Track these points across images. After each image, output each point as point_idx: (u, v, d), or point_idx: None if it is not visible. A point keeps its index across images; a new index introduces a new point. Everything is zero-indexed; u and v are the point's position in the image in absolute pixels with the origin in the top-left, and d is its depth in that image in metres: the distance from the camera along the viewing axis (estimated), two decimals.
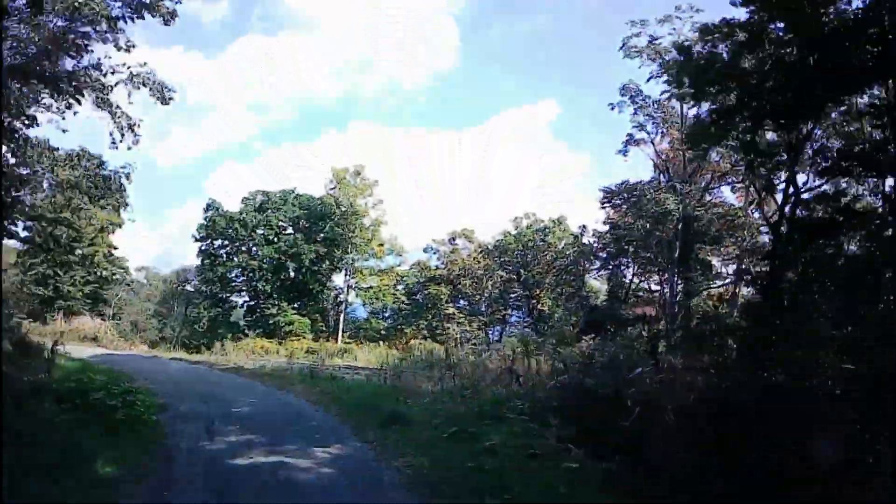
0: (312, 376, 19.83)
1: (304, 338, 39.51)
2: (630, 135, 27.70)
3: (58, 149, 18.82)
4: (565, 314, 39.26)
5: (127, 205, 51.77)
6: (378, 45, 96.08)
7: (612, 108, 27.28)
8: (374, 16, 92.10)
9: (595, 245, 34.51)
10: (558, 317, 40.33)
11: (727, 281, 29.62)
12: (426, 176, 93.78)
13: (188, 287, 53.16)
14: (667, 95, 24.45)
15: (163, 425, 10.24)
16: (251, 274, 43.76)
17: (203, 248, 45.14)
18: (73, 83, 16.02)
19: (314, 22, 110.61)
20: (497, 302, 43.80)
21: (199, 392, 15.27)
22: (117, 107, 17.29)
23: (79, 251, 40.70)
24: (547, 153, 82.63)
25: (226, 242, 45.30)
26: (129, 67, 16.96)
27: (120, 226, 49.27)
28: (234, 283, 45.80)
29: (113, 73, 16.68)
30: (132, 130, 17.65)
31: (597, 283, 39.64)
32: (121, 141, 17.69)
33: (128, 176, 22.12)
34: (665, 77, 22.39)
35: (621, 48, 24.73)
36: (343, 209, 42.12)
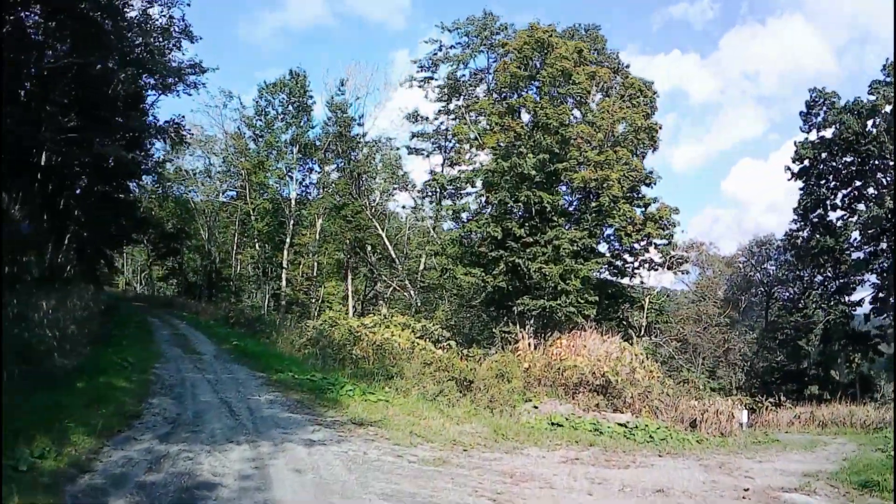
0: None
1: None
2: None
3: None
4: None
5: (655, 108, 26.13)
6: (870, 13, 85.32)
7: None
8: None
9: None
10: None
11: None
12: None
13: (769, 267, 33.10)
14: None
15: None
16: (888, 228, 24.55)
17: (807, 188, 27.53)
18: None
19: (800, 2, 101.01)
20: None
21: None
22: None
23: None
24: None
25: (842, 181, 26.68)
26: None
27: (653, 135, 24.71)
28: (857, 258, 26.27)
29: None
30: None
31: None
32: None
33: None
34: None
35: None
36: None
